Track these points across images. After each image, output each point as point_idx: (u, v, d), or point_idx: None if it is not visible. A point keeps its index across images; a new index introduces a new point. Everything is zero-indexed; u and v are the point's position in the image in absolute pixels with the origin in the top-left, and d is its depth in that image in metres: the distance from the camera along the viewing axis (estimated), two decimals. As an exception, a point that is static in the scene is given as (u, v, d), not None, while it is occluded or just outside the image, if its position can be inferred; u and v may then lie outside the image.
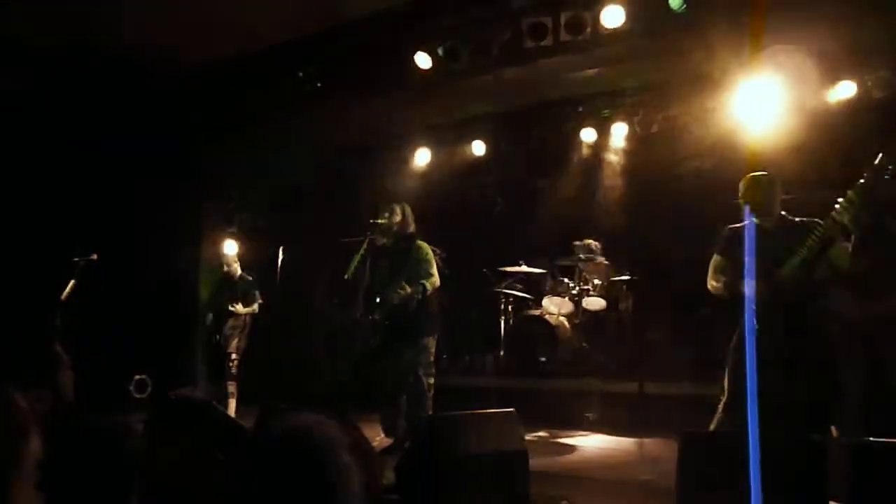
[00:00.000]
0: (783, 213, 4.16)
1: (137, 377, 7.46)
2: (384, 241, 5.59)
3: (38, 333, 5.86)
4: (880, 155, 3.64)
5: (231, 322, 6.92)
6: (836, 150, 6.59)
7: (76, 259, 6.47)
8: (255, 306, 7.01)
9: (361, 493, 1.31)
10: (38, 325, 6.03)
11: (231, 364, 6.85)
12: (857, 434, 3.69)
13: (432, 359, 5.49)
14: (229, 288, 7.04)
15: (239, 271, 7.11)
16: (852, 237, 3.76)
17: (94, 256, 6.50)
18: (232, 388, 6.80)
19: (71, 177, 7.15)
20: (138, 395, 7.40)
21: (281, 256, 7.11)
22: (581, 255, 8.19)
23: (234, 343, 6.93)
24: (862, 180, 3.66)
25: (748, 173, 4.10)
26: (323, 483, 1.26)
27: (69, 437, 1.77)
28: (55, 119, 6.97)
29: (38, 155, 7.00)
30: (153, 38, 6.86)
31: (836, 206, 3.70)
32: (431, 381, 5.41)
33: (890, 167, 3.60)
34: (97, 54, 6.86)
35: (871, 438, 2.90)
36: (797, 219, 4.12)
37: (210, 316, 7.03)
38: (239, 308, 6.89)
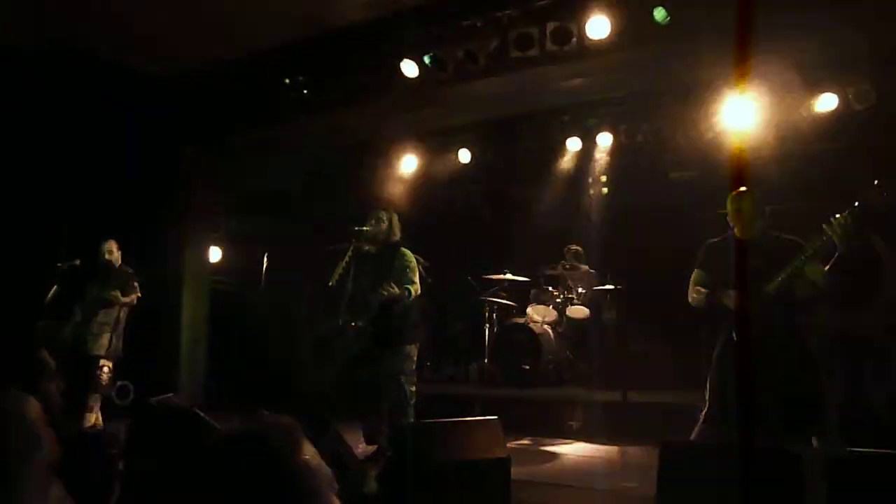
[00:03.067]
0: (769, 230, 4.18)
1: (120, 383, 7.40)
2: (369, 248, 5.58)
3: (23, 341, 5.73)
4: (875, 182, 3.68)
5: (101, 317, 6.08)
6: (818, 161, 6.68)
7: (59, 264, 6.40)
8: (134, 298, 6.22)
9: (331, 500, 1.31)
10: (24, 332, 5.93)
11: (100, 371, 5.91)
12: (837, 446, 3.73)
13: (415, 366, 5.49)
14: (104, 278, 6.24)
15: (119, 262, 6.37)
16: (835, 254, 3.80)
17: (77, 262, 6.43)
18: (94, 401, 5.85)
19: (54, 180, 7.10)
20: (120, 402, 7.33)
21: (266, 262, 7.08)
22: (566, 264, 8.22)
23: (104, 342, 6.02)
24: (856, 204, 3.69)
25: (731, 187, 4.12)
26: (275, 487, 1.26)
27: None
28: (38, 122, 6.92)
29: (20, 158, 6.94)
30: (141, 44, 6.85)
31: (828, 225, 3.72)
32: (413, 388, 5.40)
33: (885, 194, 3.64)
34: (84, 59, 6.83)
35: (850, 449, 2.92)
36: (777, 234, 4.16)
37: (78, 312, 6.09)
38: (117, 295, 6.08)
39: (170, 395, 5.36)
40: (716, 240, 4.33)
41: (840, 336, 4.62)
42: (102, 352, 6.05)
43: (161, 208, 7.88)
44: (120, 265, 6.40)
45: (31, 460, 1.49)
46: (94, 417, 5.91)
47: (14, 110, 6.74)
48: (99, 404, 5.99)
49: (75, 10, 6.21)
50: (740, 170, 2.17)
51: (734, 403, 2.99)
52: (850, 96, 6.66)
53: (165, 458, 3.92)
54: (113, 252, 6.36)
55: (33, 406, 1.60)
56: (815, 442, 3.78)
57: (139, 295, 6.30)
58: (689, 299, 4.36)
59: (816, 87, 6.73)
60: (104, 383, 6.00)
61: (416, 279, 5.47)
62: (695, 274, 4.37)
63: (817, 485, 2.71)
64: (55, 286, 6.29)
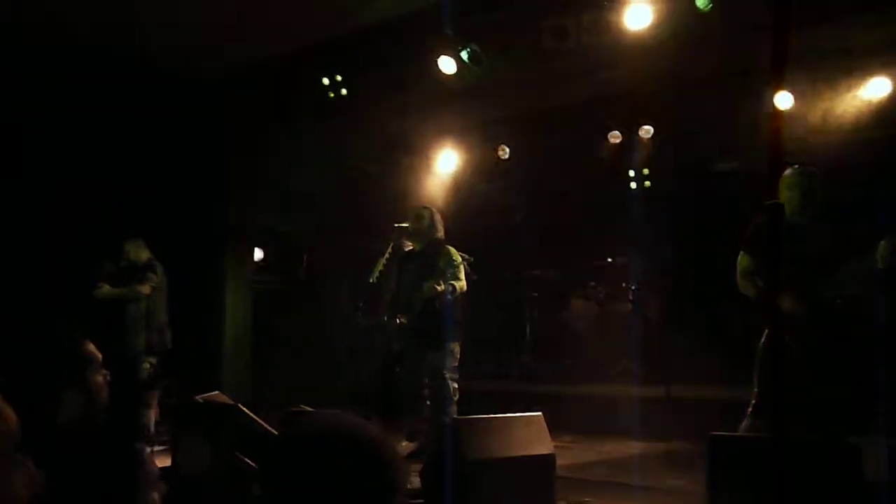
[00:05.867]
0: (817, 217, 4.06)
1: (166, 382, 7.52)
2: (412, 246, 5.57)
3: (70, 334, 5.81)
4: None
5: (130, 313, 6.04)
6: (868, 148, 6.48)
7: (107, 265, 6.50)
8: (146, 287, 6.07)
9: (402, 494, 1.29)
10: (71, 325, 6.02)
11: (140, 368, 5.93)
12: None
13: (457, 363, 5.47)
14: (127, 277, 6.18)
15: (141, 259, 6.25)
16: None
17: (125, 263, 6.52)
18: (151, 398, 5.92)
19: (101, 182, 7.25)
20: (167, 400, 7.45)
21: (306, 261, 7.12)
22: (607, 258, 8.13)
23: (140, 339, 6.01)
24: None
25: (771, 175, 4.01)
26: (378, 480, 1.24)
27: (83, 438, 1.78)
28: (83, 126, 7.07)
29: (69, 162, 7.10)
30: (179, 47, 6.95)
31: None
32: (456, 385, 5.38)
33: None
34: (125, 63, 6.95)
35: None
36: (825, 224, 4.03)
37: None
38: (116, 291, 6.05)
39: (215, 392, 5.45)
40: (764, 222, 4.17)
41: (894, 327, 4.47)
42: (139, 348, 6.02)
43: (203, 210, 8.00)
44: (141, 261, 6.28)
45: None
46: (155, 413, 5.98)
47: (61, 115, 6.90)
48: (156, 400, 6.03)
49: (113, 15, 6.32)
50: (777, 155, 2.11)
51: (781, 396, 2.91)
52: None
53: (210, 454, 3.97)
54: (131, 252, 6.28)
55: (104, 384, 1.60)
56: (873, 434, 3.66)
57: (153, 285, 6.14)
58: (739, 286, 4.23)
59: (866, 72, 6.53)
60: (143, 379, 5.96)
61: (462, 276, 5.45)
62: (741, 258, 4.23)
63: (877, 476, 2.62)
64: (105, 286, 6.39)
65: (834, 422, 3.63)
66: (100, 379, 2.11)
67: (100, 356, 2.13)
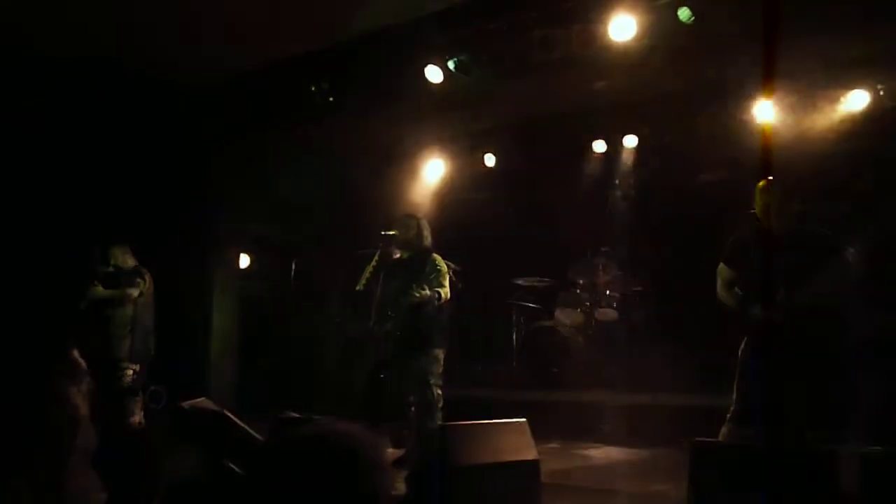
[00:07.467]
0: (799, 224, 4.13)
1: (152, 388, 7.50)
2: (399, 255, 5.61)
3: (55, 342, 5.80)
4: None
5: (116, 319, 6.03)
6: (848, 159, 6.58)
7: (95, 270, 6.48)
8: (135, 291, 6.07)
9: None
10: (56, 333, 6.00)
11: (122, 374, 5.89)
12: (872, 444, 3.68)
13: (441, 370, 5.51)
14: (113, 282, 6.16)
15: (127, 265, 6.26)
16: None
17: (111, 268, 6.51)
18: (132, 403, 5.88)
19: (87, 188, 7.24)
20: (153, 406, 7.43)
21: (294, 268, 7.13)
22: (593, 267, 8.19)
23: (125, 345, 6.00)
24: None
25: (759, 182, 4.09)
26: (364, 486, 1.27)
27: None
28: (72, 129, 7.07)
29: (55, 165, 7.08)
30: (171, 53, 6.96)
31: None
32: (440, 392, 5.42)
33: None
34: (111, 65, 6.95)
35: (882, 447, 2.89)
36: (806, 227, 4.10)
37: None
38: (134, 291, 6.04)
39: (201, 399, 5.44)
40: (744, 234, 4.26)
41: (873, 336, 4.55)
42: (124, 354, 6.01)
43: (191, 216, 8.00)
44: (128, 267, 6.29)
45: (72, 444, 1.58)
46: (138, 420, 5.98)
47: (51, 118, 6.89)
48: (139, 406, 6.03)
49: (107, 20, 6.34)
50: (767, 167, 2.17)
51: (760, 403, 2.97)
52: (882, 93, 6.56)
53: (198, 461, 3.98)
54: (118, 257, 6.29)
55: (78, 395, 1.67)
56: (849, 441, 3.73)
57: (141, 290, 6.16)
58: (719, 296, 4.30)
59: (846, 85, 6.64)
60: (126, 385, 5.93)
61: (447, 284, 5.50)
62: (720, 268, 4.31)
63: (852, 483, 2.68)
64: (99, 287, 6.36)
65: (810, 428, 3.69)
66: (83, 388, 2.13)
67: (84, 365, 2.15)
